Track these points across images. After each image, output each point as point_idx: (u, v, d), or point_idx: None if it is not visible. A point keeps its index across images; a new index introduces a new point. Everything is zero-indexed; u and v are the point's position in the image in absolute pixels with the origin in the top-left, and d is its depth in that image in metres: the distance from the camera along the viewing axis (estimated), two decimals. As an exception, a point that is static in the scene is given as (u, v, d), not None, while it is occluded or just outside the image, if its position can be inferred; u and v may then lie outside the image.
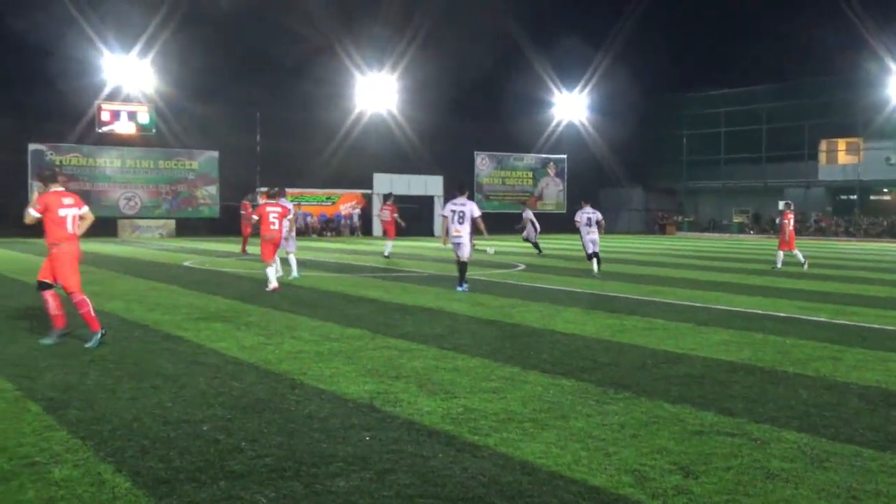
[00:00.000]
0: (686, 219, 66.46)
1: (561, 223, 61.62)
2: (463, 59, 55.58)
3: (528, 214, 31.49)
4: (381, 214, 30.77)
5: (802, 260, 24.44)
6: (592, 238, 21.16)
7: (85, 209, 10.49)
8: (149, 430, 6.25)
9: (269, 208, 17.10)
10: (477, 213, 16.69)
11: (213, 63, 48.18)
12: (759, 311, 13.75)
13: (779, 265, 24.10)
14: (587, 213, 21.31)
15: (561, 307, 14.09)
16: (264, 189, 18.12)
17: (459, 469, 5.44)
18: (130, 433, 6.18)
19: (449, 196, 32.28)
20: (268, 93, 51.73)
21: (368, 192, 55.19)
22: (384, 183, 55.07)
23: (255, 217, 17.49)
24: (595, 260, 21.19)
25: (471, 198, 17.57)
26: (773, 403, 7.26)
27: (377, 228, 53.17)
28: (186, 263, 23.70)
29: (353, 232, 54.16)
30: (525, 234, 31.21)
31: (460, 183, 18.25)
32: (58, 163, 47.43)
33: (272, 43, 51.34)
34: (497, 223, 35.18)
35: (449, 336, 10.83)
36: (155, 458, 5.61)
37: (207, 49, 47.26)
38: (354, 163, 54.55)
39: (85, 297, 10.25)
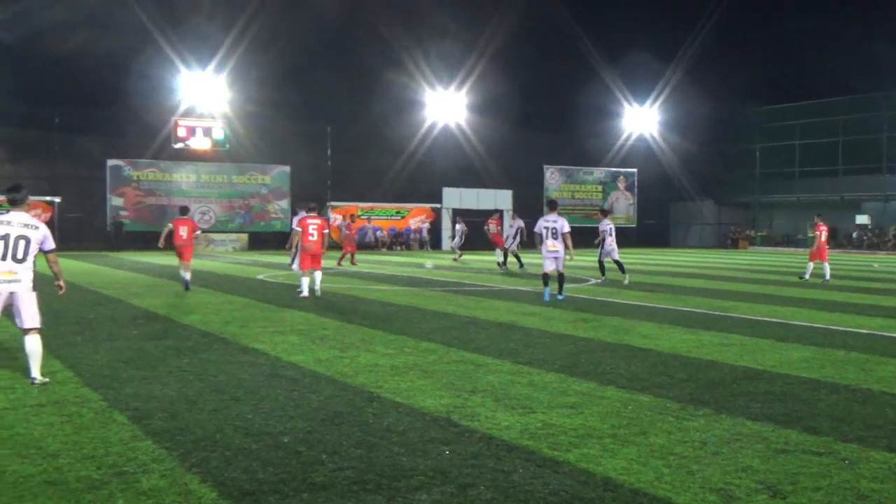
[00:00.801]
0: (759, 233, 65.30)
1: (631, 238, 61.17)
2: (532, 73, 55.64)
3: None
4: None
5: (827, 275, 24.58)
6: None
7: None
8: (231, 442, 6.34)
9: (309, 220, 18.16)
10: (567, 228, 17.54)
11: (286, 79, 48.91)
12: (841, 328, 13.44)
13: (807, 276, 24.70)
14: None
15: (635, 322, 13.95)
16: (311, 204, 18.81)
17: (541, 484, 5.40)
18: (214, 444, 6.27)
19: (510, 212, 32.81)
20: (339, 108, 52.33)
21: (437, 206, 55.37)
22: (453, 197, 55.27)
23: (298, 229, 18.38)
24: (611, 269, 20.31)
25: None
26: (859, 422, 7.07)
27: (446, 242, 53.35)
28: (260, 277, 24.02)
29: (422, 246, 54.35)
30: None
31: (551, 200, 19.81)
32: (135, 178, 48.54)
33: (343, 59, 51.98)
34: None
35: (523, 350, 10.79)
36: (238, 469, 5.68)
37: (280, 65, 48.04)
38: (424, 177, 54.87)
39: None
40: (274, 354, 10.37)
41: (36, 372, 8.54)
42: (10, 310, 8.64)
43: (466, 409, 7.44)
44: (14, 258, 8.54)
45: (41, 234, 8.77)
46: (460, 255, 36.90)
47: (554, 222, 17.46)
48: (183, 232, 20.70)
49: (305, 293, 17.82)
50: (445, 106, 56.71)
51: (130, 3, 46.25)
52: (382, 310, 15.75)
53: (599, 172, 64.01)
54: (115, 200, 48.14)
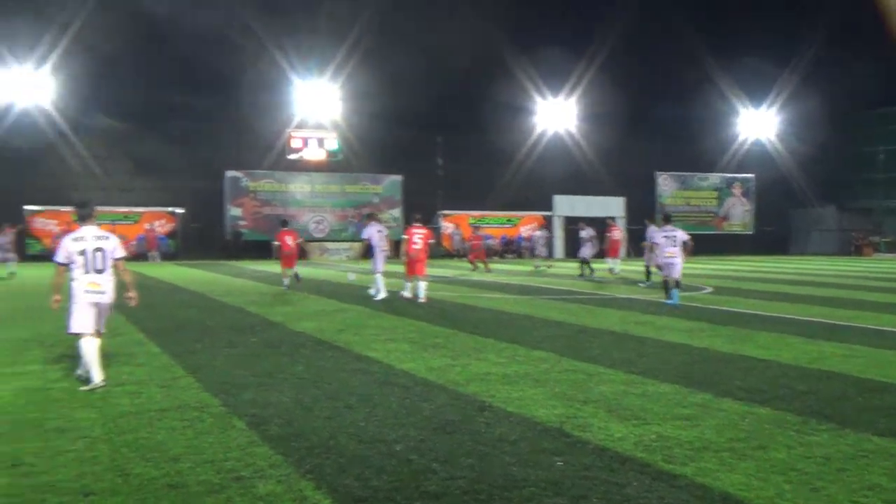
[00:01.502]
0: (884, 239, 62.76)
1: (747, 245, 59.66)
2: (643, 79, 54.90)
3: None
4: (612, 234, 31.26)
5: None
6: (674, 263, 18.62)
7: None
8: (345, 449, 6.41)
9: (414, 230, 19.59)
10: (686, 237, 18.98)
11: (398, 89, 49.44)
12: (973, 339, 12.80)
13: None
14: (667, 233, 18.98)
15: (752, 331, 13.57)
16: (418, 216, 20.05)
17: (656, 498, 5.29)
18: (328, 451, 6.35)
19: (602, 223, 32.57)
20: (450, 117, 52.66)
21: (549, 213, 55.10)
22: (564, 205, 54.94)
23: (405, 237, 19.66)
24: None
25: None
26: None
27: (559, 250, 53.06)
28: (403, 293, 24.28)
29: (534, 254, 54.12)
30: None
31: (666, 214, 21.37)
32: (252, 188, 49.81)
33: (454, 68, 52.27)
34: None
35: (637, 360, 10.62)
36: (352, 476, 5.74)
37: (392, 75, 48.60)
38: (535, 185, 54.70)
39: None
40: (386, 362, 10.47)
41: (81, 370, 9.15)
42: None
43: (579, 419, 7.36)
44: (95, 270, 9.10)
45: (113, 244, 9.34)
46: (589, 271, 35.73)
47: (673, 232, 18.84)
48: (289, 241, 23.71)
49: (408, 295, 19.47)
50: (555, 113, 56.46)
51: (245, 17, 47.63)
52: (493, 318, 15.74)
53: (714, 178, 62.61)
54: (234, 211, 49.49)
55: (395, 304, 18.37)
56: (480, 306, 18.08)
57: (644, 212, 54.90)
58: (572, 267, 36.47)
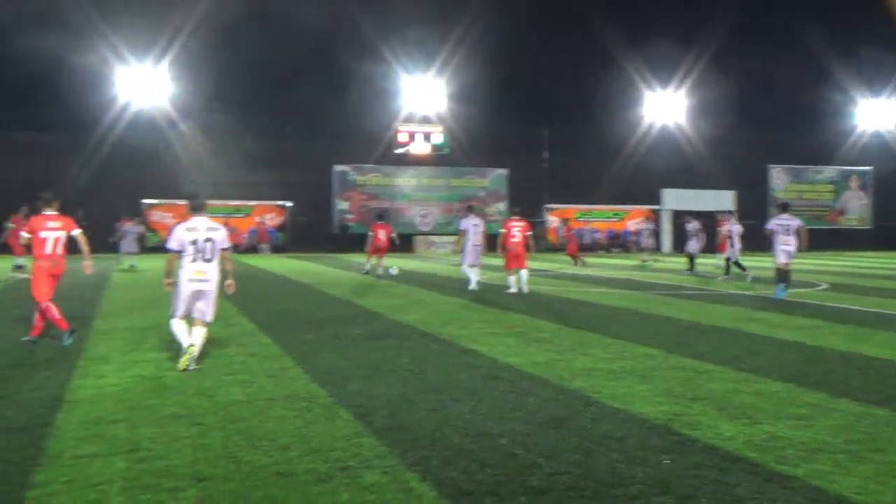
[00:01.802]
0: None
1: (866, 240, 57.61)
2: (754, 70, 53.51)
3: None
4: (723, 229, 30.83)
5: None
6: (787, 249, 18.77)
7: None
8: (450, 442, 6.44)
9: (512, 223, 19.86)
10: (801, 224, 18.98)
11: (503, 81, 49.41)
12: None
13: None
14: (782, 221, 19.13)
15: (870, 330, 13.09)
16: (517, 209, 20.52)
17: (767, 500, 5.16)
18: (433, 443, 6.39)
19: (727, 216, 32.08)
20: (556, 110, 52.37)
21: (656, 207, 54.28)
22: (673, 198, 54.03)
23: (502, 230, 19.92)
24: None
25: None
26: None
27: (666, 244, 52.22)
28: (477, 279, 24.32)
29: (641, 248, 53.43)
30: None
31: (784, 202, 21.18)
32: (359, 182, 50.49)
33: (560, 61, 51.96)
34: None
35: (747, 357, 10.36)
36: (457, 469, 5.76)
37: (497, 68, 48.58)
38: (642, 178, 53.95)
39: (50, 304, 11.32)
40: (491, 356, 10.47)
41: (197, 350, 9.53)
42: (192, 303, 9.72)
43: (687, 417, 7.22)
44: (203, 259, 9.61)
45: (222, 235, 9.84)
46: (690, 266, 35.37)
47: (789, 221, 18.93)
48: (382, 235, 25.33)
49: (514, 290, 19.39)
50: (664, 105, 55.53)
51: (353, 12, 48.30)
52: (600, 313, 15.59)
53: (830, 171, 60.66)
54: (342, 204, 50.26)
55: (501, 299, 18.36)
56: (587, 301, 17.93)
57: (756, 206, 53.73)
58: (680, 262, 35.87)
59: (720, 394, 8.17)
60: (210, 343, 11.25)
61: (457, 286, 21.43)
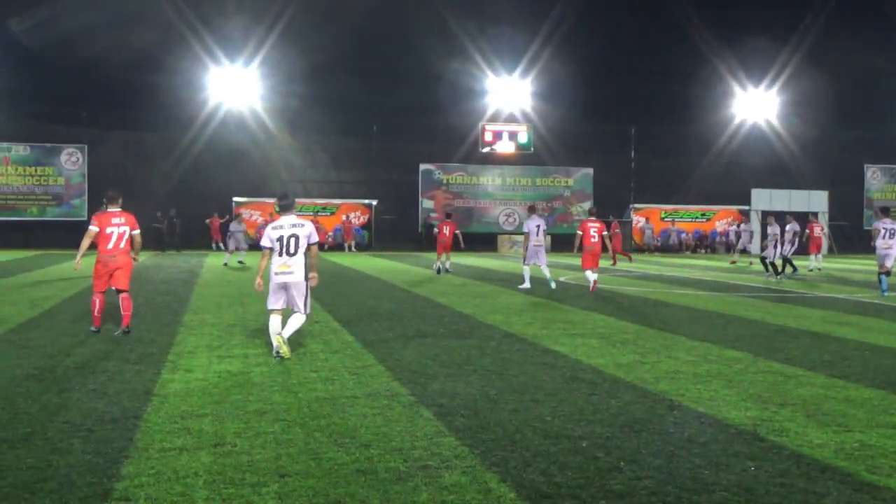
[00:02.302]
0: None
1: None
2: (848, 66, 52.02)
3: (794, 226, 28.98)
4: (813, 231, 30.42)
5: None
6: (889, 253, 19.92)
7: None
8: (530, 443, 6.40)
9: (590, 224, 20.21)
10: None
11: (589, 80, 49.02)
12: None
13: None
14: (886, 225, 20.14)
15: (970, 336, 12.61)
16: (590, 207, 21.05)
17: (857, 511, 5.00)
18: (513, 444, 6.36)
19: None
20: (643, 108, 51.75)
21: (746, 208, 53.16)
22: (763, 198, 52.80)
23: (579, 232, 20.30)
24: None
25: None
26: None
27: (755, 246, 51.14)
28: (562, 279, 24.20)
29: (729, 249, 52.46)
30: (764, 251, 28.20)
31: (884, 207, 21.92)
32: (444, 181, 50.65)
33: (648, 58, 51.35)
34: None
35: (839, 363, 10.07)
36: (537, 470, 5.72)
37: (584, 66, 48.24)
38: (731, 178, 52.94)
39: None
40: (574, 357, 10.38)
41: (287, 332, 10.16)
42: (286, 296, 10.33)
43: (774, 423, 7.05)
44: (287, 253, 10.19)
45: (308, 231, 10.37)
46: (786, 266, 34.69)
47: (891, 224, 19.81)
48: (446, 231, 26.74)
49: (593, 282, 19.91)
50: (755, 104, 54.37)
51: (440, 14, 48.46)
52: (685, 315, 15.34)
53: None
54: (426, 203, 50.47)
55: (585, 300, 18.22)
56: (671, 302, 17.66)
57: (851, 207, 52.23)
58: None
59: (809, 400, 7.96)
60: (294, 340, 11.42)
61: (541, 286, 21.31)
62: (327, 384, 8.52)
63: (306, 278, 10.26)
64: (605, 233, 20.43)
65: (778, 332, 12.97)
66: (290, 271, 10.16)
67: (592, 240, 19.87)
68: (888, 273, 19.87)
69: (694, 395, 8.16)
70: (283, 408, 7.48)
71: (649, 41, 53.75)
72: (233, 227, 31.69)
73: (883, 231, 19.84)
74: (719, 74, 53.11)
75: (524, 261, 21.46)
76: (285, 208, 10.58)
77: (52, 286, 19.96)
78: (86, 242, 12.00)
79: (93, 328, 12.14)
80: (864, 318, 14.99)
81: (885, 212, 20.94)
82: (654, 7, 53.94)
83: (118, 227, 12.02)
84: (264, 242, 10.33)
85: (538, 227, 21.01)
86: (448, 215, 30.31)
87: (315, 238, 10.40)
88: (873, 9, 54.79)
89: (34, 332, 12.23)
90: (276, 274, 10.22)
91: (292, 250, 10.17)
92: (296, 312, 10.32)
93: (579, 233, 20.14)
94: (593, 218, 20.76)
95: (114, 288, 12.09)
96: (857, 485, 5.47)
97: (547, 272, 21.10)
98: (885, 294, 19.43)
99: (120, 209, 12.23)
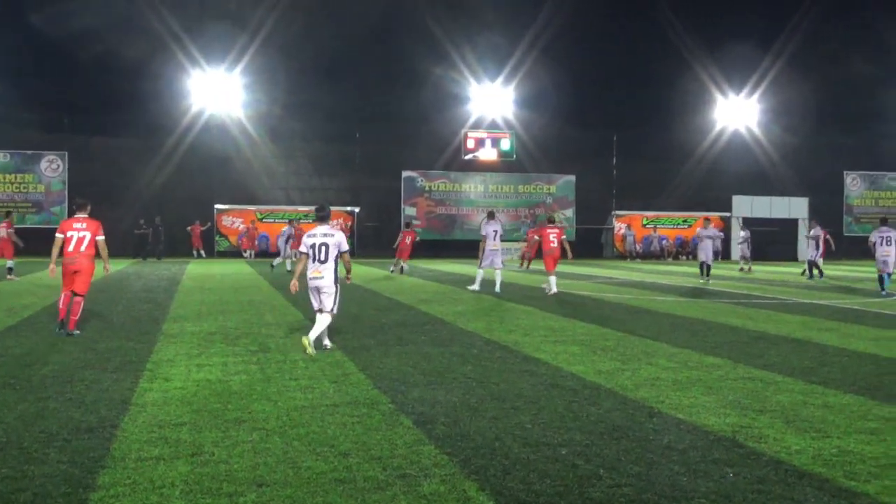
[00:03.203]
0: None
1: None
2: (829, 73, 52.39)
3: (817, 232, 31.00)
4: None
5: None
6: (887, 259, 22.85)
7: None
8: (510, 451, 6.39)
9: (549, 230, 22.27)
10: None
11: (571, 87, 49.10)
12: None
13: None
14: (883, 234, 23.08)
15: (948, 342, 12.69)
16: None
17: (834, 517, 5.02)
18: (492, 452, 6.35)
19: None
20: (625, 115, 51.92)
21: (727, 215, 53.39)
22: (744, 205, 53.09)
23: (537, 237, 22.39)
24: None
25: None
26: None
27: (736, 252, 51.34)
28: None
29: (742, 256, 52.60)
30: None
31: (883, 217, 25.79)
32: (427, 188, 50.62)
33: (628, 65, 51.54)
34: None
35: (818, 369, 10.12)
36: (516, 479, 5.71)
37: (565, 73, 48.30)
38: (712, 185, 53.16)
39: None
40: (555, 364, 10.39)
41: (311, 335, 11.03)
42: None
43: (753, 429, 7.07)
44: (318, 260, 11.22)
45: (337, 239, 11.41)
46: (749, 267, 35.59)
47: (887, 232, 22.68)
48: (408, 240, 30.22)
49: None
50: (736, 111, 54.66)
51: (423, 21, 48.50)
52: (665, 322, 15.37)
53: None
54: (409, 210, 50.43)
55: (566, 305, 18.24)
56: (652, 309, 17.70)
57: (831, 214, 52.51)
58: (758, 270, 35.38)
59: (788, 406, 7.99)
60: (274, 348, 11.42)
61: (521, 293, 21.29)
62: (307, 392, 8.49)
63: (336, 282, 11.29)
64: (564, 237, 22.39)
65: (758, 338, 13.01)
66: (320, 276, 11.21)
67: (552, 244, 21.88)
68: (889, 275, 22.48)
69: (674, 401, 8.17)
70: (261, 416, 7.44)
71: (631, 48, 53.94)
72: (286, 229, 32.75)
73: (880, 238, 22.63)
74: (700, 81, 53.33)
75: (479, 264, 22.53)
76: (321, 219, 11.62)
77: (32, 294, 19.82)
78: (55, 250, 13.02)
79: (58, 326, 12.87)
80: (844, 324, 15.07)
81: (883, 221, 23.86)
82: (636, 15, 54.13)
83: (78, 232, 12.91)
84: (302, 248, 11.42)
85: (495, 231, 22.15)
86: (408, 224, 35.37)
87: (345, 247, 11.47)
88: (854, 17, 55.14)
89: (12, 339, 12.14)
90: (310, 279, 11.30)
91: (323, 257, 11.20)
92: (324, 313, 11.25)
93: (536, 238, 21.80)
94: (552, 224, 22.94)
95: (73, 291, 12.88)
96: (835, 490, 5.49)
97: (499, 277, 22.31)
98: (885, 293, 21.87)
99: (86, 216, 13.14)
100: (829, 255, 31.58)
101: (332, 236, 11.35)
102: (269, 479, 5.64)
